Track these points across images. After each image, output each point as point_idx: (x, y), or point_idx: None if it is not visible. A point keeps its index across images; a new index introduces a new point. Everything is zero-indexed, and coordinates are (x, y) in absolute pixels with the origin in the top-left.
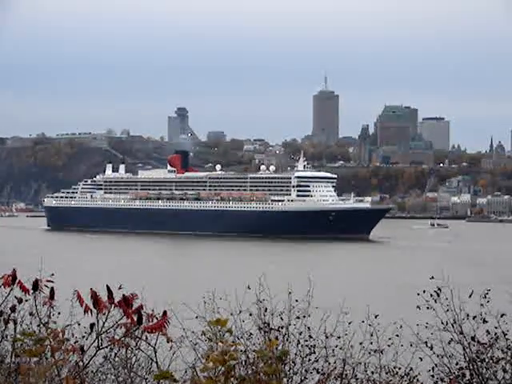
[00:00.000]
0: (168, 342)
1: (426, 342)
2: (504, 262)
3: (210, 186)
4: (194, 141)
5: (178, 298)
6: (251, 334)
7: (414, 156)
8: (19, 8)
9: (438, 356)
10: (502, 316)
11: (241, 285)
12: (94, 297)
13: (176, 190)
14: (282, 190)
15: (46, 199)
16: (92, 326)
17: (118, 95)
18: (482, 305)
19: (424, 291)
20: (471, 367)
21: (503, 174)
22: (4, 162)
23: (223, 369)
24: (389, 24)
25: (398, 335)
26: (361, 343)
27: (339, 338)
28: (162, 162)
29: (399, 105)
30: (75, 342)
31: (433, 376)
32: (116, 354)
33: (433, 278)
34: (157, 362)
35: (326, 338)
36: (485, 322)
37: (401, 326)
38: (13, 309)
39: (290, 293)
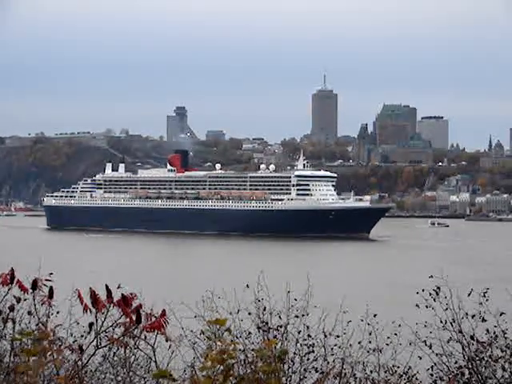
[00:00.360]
0: (167, 341)
1: (424, 341)
2: (503, 260)
3: (209, 185)
4: (193, 140)
5: (177, 298)
6: (250, 333)
7: (412, 155)
8: (19, 8)
9: (436, 355)
10: (501, 315)
11: (240, 284)
12: (93, 296)
13: (176, 189)
14: (281, 189)
15: (45, 198)
16: (91, 325)
17: (118, 95)
18: (481, 303)
19: (423, 290)
20: (470, 366)
21: (502, 172)
22: (3, 161)
23: (222, 368)
24: (388, 24)
25: (396, 334)
26: (359, 342)
27: (338, 336)
28: (161, 161)
29: (398, 104)
30: (74, 341)
31: (432, 375)
32: (115, 353)
33: (432, 276)
34: (156, 361)
35: (325, 336)
36: (484, 320)
37: (400, 325)
38: (11, 308)
39: (288, 292)
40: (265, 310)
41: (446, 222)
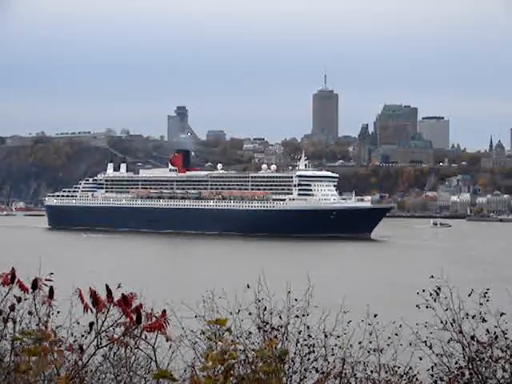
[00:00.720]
0: (167, 341)
1: (425, 341)
2: (503, 261)
3: (211, 185)
4: (194, 140)
5: (178, 297)
6: (250, 333)
7: (413, 155)
8: (19, 8)
9: (437, 355)
10: (501, 315)
11: (240, 284)
12: (94, 296)
13: (177, 189)
14: (283, 189)
15: (46, 198)
16: (91, 324)
17: (118, 95)
18: (481, 304)
19: (423, 290)
20: (470, 366)
21: (503, 173)
22: (3, 161)
23: (222, 368)
24: (388, 24)
25: (397, 334)
26: (360, 342)
27: (338, 337)
28: (161, 161)
29: (399, 104)
30: (74, 341)
31: (432, 375)
32: (115, 353)
33: (432, 277)
34: (156, 361)
35: (326, 337)
36: (484, 321)
37: (400, 326)
38: (12, 308)
39: (289, 292)
40: (265, 310)
41: (448, 222)
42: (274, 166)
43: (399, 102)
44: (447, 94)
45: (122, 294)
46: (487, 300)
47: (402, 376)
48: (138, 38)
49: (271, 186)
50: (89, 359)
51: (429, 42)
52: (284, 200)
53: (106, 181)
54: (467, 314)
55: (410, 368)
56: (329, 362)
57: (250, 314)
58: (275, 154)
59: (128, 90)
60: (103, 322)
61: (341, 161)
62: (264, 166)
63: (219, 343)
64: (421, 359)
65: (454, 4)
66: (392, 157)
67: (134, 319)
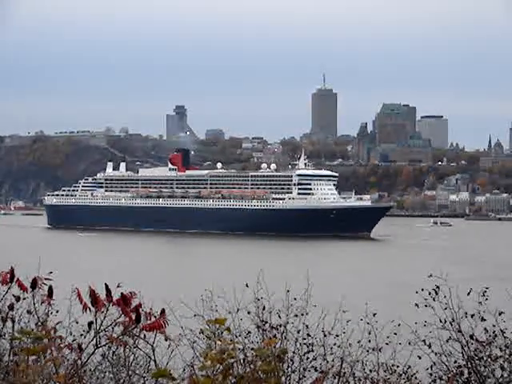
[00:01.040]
0: (166, 340)
1: (424, 340)
2: (502, 259)
3: (211, 184)
4: (193, 139)
5: (177, 297)
6: (249, 332)
7: (412, 154)
8: (19, 8)
9: (436, 354)
10: (500, 314)
11: (239, 283)
12: (93, 295)
13: (177, 188)
14: (283, 189)
15: (46, 197)
16: (90, 324)
17: (117, 94)
18: (480, 303)
19: (422, 289)
20: (469, 365)
21: (502, 172)
22: (2, 160)
23: (221, 367)
24: (387, 23)
25: (396, 333)
26: (359, 341)
27: (337, 336)
28: (160, 160)
29: (398, 103)
30: (73, 340)
31: (431, 374)
32: (114, 352)
33: (431, 276)
34: (155, 361)
35: (324, 336)
36: (483, 320)
37: (399, 324)
38: (11, 307)
39: (288, 291)
40: (264, 309)
41: (448, 221)
42: (273, 165)
43: (398, 101)
44: (446, 93)
45: (122, 294)
46: (486, 299)
47: (401, 375)
48: (138, 37)
49: (271, 185)
50: (88, 358)
51: (428, 41)
52: (284, 199)
53: (106, 180)
54: (466, 313)
55: (409, 367)
56: (328, 361)
57: (248, 313)
58: (274, 154)
59: (127, 89)
60: (102, 322)
61: (340, 160)
62: (264, 165)
63: (218, 342)
64: (420, 358)
65: (453, 4)
66: (391, 156)
67: (133, 318)
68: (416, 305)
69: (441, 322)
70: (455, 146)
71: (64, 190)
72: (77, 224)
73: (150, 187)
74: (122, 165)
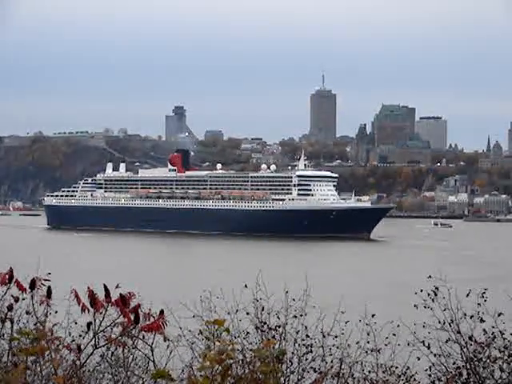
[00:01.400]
0: (165, 340)
1: (423, 342)
2: (503, 260)
3: (210, 184)
4: (193, 140)
5: (176, 297)
6: (248, 333)
7: (411, 155)
8: (19, 8)
9: (435, 355)
10: (499, 315)
11: (239, 284)
12: (91, 295)
13: (177, 189)
14: (282, 189)
15: (46, 198)
16: (89, 324)
17: (116, 94)
18: (479, 304)
19: (421, 290)
20: (468, 366)
21: (500, 173)
22: (1, 160)
23: (220, 368)
24: (387, 23)
25: (395, 334)
26: (358, 342)
27: (336, 337)
28: (159, 161)
29: (397, 104)
30: (72, 341)
31: (430, 375)
32: (113, 352)
33: (430, 277)
34: (154, 361)
35: (323, 337)
36: (482, 321)
37: (398, 325)
38: (10, 307)
39: (286, 292)
40: (263, 310)
41: (449, 222)
42: (273, 166)
43: (397, 102)
44: (445, 94)
45: (120, 294)
46: (485, 300)
47: (400, 376)
48: (137, 37)
49: (271, 185)
50: (86, 359)
51: (427, 42)
52: (283, 200)
53: (106, 181)
54: (465, 314)
55: (408, 368)
56: (326, 362)
57: (247, 313)
58: (273, 154)
59: (126, 89)
60: (101, 322)
61: (339, 161)
62: (263, 166)
63: (217, 343)
64: (419, 359)
65: (453, 4)
66: (390, 157)
67: (132, 319)
68: (415, 306)
69: (440, 323)
70: (454, 147)
71: (64, 191)
72: (76, 224)
73: (150, 188)
74: (122, 165)
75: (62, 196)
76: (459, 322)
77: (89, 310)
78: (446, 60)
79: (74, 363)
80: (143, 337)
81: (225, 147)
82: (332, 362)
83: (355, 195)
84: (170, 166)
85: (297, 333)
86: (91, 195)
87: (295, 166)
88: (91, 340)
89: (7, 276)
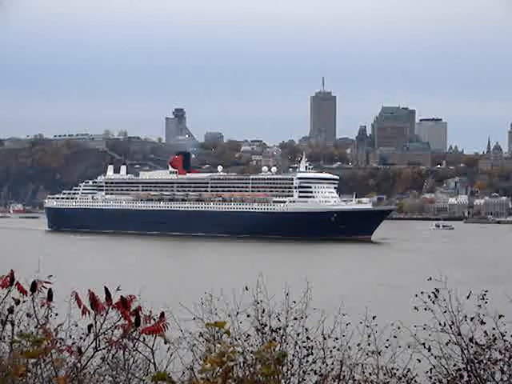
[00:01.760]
0: (166, 343)
1: (423, 344)
2: (504, 261)
3: (211, 187)
4: (192, 142)
5: (176, 299)
6: (249, 335)
7: (411, 157)
8: (19, 8)
9: (435, 357)
10: (499, 317)
11: (239, 286)
12: (92, 298)
13: (178, 191)
14: (283, 191)
15: (46, 200)
16: (90, 327)
17: (116, 96)
18: (479, 306)
19: (422, 292)
20: (469, 368)
21: (500, 175)
22: (1, 163)
23: (221, 370)
24: (387, 24)
25: (395, 336)
26: (358, 344)
27: (337, 339)
28: (159, 163)
29: (397, 106)
30: (73, 344)
31: (431, 377)
32: (114, 355)
33: (430, 279)
34: (154, 364)
35: (324, 339)
36: (483, 323)
37: (398, 328)
38: (10, 310)
39: (287, 294)
40: (264, 312)
41: (451, 224)
42: (274, 168)
43: (397, 103)
44: (445, 95)
45: (121, 297)
46: (486, 302)
47: (401, 378)
48: (137, 38)
49: (272, 188)
50: (87, 361)
51: (427, 43)
52: (284, 202)
53: (107, 183)
54: (466, 316)
55: (409, 370)
56: (327, 364)
57: (248, 316)
58: (273, 156)
59: (125, 91)
60: (102, 325)
61: (339, 163)
62: (264, 168)
63: (218, 345)
64: (419, 361)
65: (453, 4)
66: (390, 159)
67: (133, 322)
68: (415, 308)
69: (440, 325)
70: (454, 148)
71: (65, 193)
72: (77, 227)
73: (151, 190)
74: (123, 168)
75: (63, 198)
76: (460, 324)
77: (89, 313)
78: (446, 61)
79: (74, 365)
80: (144, 339)
81: (225, 149)
82: (333, 364)
83: (355, 197)
84: (171, 169)
85: (297, 335)
86: (92, 197)
87: (296, 168)
88: (92, 342)
89: (8, 279)
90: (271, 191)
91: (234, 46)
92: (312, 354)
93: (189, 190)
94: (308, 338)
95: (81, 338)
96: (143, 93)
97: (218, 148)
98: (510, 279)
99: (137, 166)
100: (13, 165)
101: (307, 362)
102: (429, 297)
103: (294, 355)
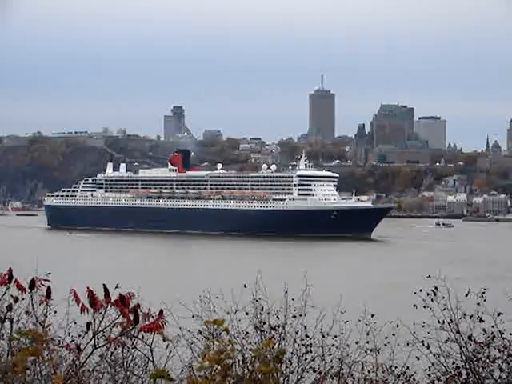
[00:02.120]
0: (164, 340)
1: (422, 341)
2: (503, 258)
3: (211, 184)
4: (191, 139)
5: (175, 297)
6: (247, 333)
7: (410, 155)
8: (19, 8)
9: (434, 355)
10: (498, 315)
11: (238, 284)
12: (91, 296)
13: (177, 188)
14: (283, 189)
15: (46, 198)
16: (88, 324)
17: (115, 94)
18: (478, 304)
19: (421, 290)
20: (468, 366)
21: (499, 173)
22: (0, 161)
23: (220, 368)
24: (386, 23)
25: (394, 334)
26: (357, 342)
27: (336, 337)
28: (158, 161)
29: (395, 104)
30: (71, 341)
31: (429, 375)
32: (112, 352)
33: (429, 276)
34: (153, 361)
35: (323, 336)
36: (481, 321)
37: (397, 325)
38: (9, 308)
39: (286, 292)
40: (262, 310)
41: (451, 222)
42: (273, 166)
43: (396, 101)
44: (444, 93)
45: (120, 294)
46: (484, 300)
47: (400, 376)
48: (137, 38)
49: (271, 185)
50: (86, 359)
51: (426, 41)
52: (284, 200)
53: (106, 181)
54: (464, 314)
55: (408, 368)
56: (326, 362)
57: (247, 313)
58: (272, 154)
59: (124, 89)
60: (100, 322)
61: (337, 161)
62: (264, 166)
63: (216, 343)
64: (418, 359)
65: (453, 4)
66: (388, 157)
67: (132, 319)
68: (414, 306)
69: (439, 322)
70: (453, 146)
71: (64, 191)
72: (77, 225)
73: (150, 188)
74: (122, 165)
75: (62, 196)
76: (458, 322)
77: (88, 310)
78: (445, 60)
79: (73, 363)
80: (142, 337)
81: (224, 147)
82: (331, 361)
83: (355, 195)
84: (170, 166)
85: (296, 333)
86: (91, 195)
87: (295, 165)
88: (90, 340)
89: (7, 276)
90: (271, 189)
91: (233, 45)
92: (311, 351)
93: (188, 188)
94: (307, 335)
95: (79, 335)
96: (142, 91)
97: (216, 146)
98: (509, 277)
99: (136, 163)
100: (11, 162)
101: (306, 359)
102: (428, 295)
103: (292, 353)
